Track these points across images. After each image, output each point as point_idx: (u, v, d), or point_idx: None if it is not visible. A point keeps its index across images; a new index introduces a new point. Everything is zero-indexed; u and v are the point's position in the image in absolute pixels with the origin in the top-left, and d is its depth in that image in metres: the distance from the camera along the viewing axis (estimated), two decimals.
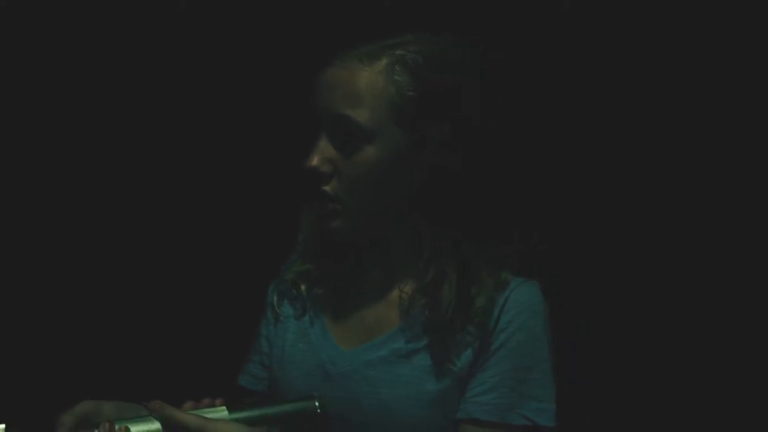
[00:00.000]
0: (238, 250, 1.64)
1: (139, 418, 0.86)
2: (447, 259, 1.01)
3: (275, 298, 1.12)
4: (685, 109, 1.56)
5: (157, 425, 0.85)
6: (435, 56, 1.00)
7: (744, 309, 1.53)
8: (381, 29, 1.04)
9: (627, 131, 1.59)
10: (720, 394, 1.52)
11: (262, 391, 1.11)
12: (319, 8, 1.57)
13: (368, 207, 1.00)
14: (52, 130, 1.59)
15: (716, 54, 1.53)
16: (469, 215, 1.02)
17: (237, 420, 0.88)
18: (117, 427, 0.83)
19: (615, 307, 1.58)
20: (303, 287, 1.11)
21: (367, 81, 0.98)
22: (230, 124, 1.64)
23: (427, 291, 1.00)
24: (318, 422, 0.91)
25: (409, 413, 0.96)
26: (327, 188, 0.99)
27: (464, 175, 1.01)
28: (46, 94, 1.57)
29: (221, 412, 0.89)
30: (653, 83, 1.57)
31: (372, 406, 0.98)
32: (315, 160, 0.99)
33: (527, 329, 0.98)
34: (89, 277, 1.64)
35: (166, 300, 1.65)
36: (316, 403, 0.92)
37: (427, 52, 1.00)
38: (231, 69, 1.61)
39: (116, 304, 1.65)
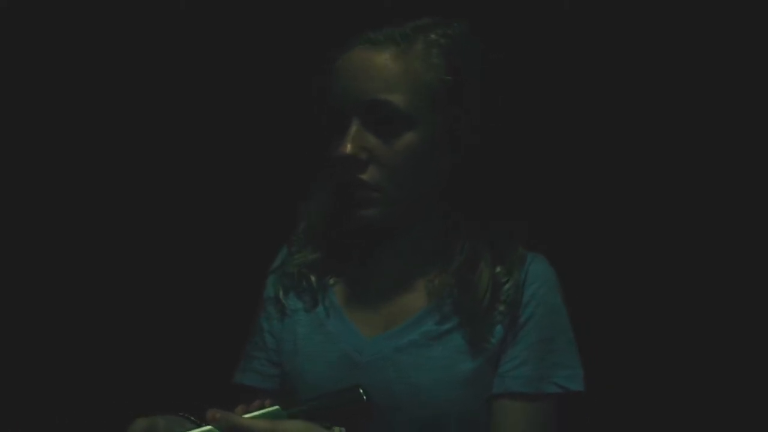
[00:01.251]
0: (220, 249, 1.62)
1: (199, 431, 0.82)
2: (478, 242, 1.02)
3: (280, 292, 1.09)
4: (685, 109, 1.56)
5: None
6: (460, 40, 1.01)
7: (744, 309, 1.53)
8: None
9: (627, 131, 1.59)
10: (720, 394, 1.52)
11: (272, 389, 1.07)
12: (317, 7, 1.57)
13: (407, 194, 0.99)
14: (52, 129, 1.59)
15: (716, 54, 1.53)
16: (495, 198, 1.03)
17: (293, 417, 0.86)
18: None
19: (615, 307, 1.58)
20: (312, 278, 1.07)
21: (406, 65, 0.96)
22: (220, 123, 1.63)
23: (458, 274, 1.01)
24: (365, 411, 0.91)
25: (442, 395, 0.97)
26: (364, 176, 0.97)
27: (492, 159, 1.02)
28: (46, 94, 1.57)
29: (276, 412, 0.87)
30: (653, 83, 1.57)
31: (403, 391, 0.97)
32: (350, 148, 0.96)
33: (548, 301, 1.02)
34: (76, 276, 1.63)
35: (149, 301, 1.63)
36: (361, 390, 0.91)
37: (453, 35, 1.00)
38: (225, 67, 1.61)
39: (97, 306, 1.63)
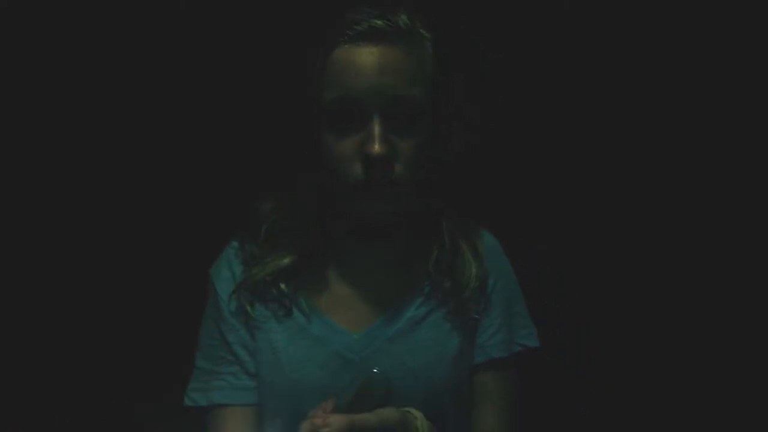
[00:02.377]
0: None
1: None
2: (457, 231, 1.07)
3: (246, 305, 1.03)
4: (685, 109, 1.56)
5: None
6: (440, 34, 1.02)
7: (744, 309, 1.53)
8: None
9: (626, 131, 1.59)
10: (720, 394, 1.52)
11: (252, 403, 1.03)
12: (316, 7, 1.57)
13: (414, 188, 1.00)
14: (51, 129, 1.59)
15: (716, 54, 1.53)
16: (482, 193, 1.05)
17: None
18: None
19: (614, 307, 1.58)
20: (282, 285, 1.03)
21: (419, 60, 0.97)
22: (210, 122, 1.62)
23: (439, 260, 1.05)
24: (390, 392, 0.95)
25: (436, 375, 1.01)
26: (392, 173, 0.96)
27: (478, 153, 1.04)
28: (46, 93, 1.57)
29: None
30: (653, 83, 1.57)
31: (400, 378, 0.98)
32: (382, 146, 0.94)
33: (505, 271, 1.11)
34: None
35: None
36: (376, 371, 0.95)
37: (434, 29, 1.02)
38: (220, 65, 1.60)
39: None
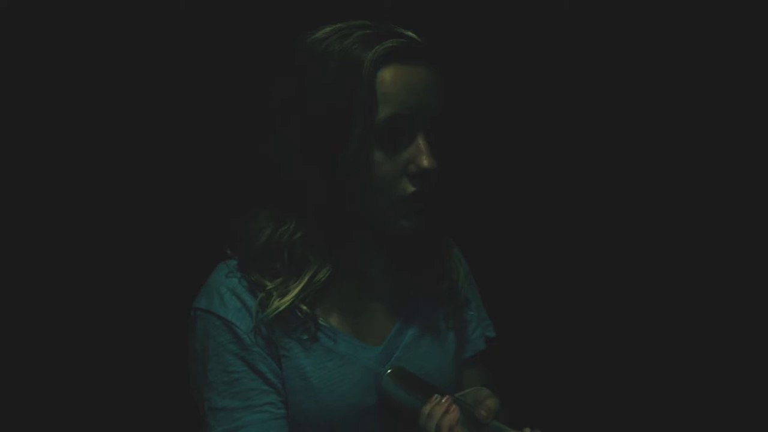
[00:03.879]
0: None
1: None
2: (445, 237, 1.12)
3: (272, 333, 0.99)
4: (685, 109, 1.56)
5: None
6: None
7: (743, 308, 1.53)
8: None
9: (626, 131, 1.59)
10: (720, 394, 1.52)
11: None
12: (317, 9, 1.57)
13: None
14: (50, 129, 1.60)
15: (716, 54, 1.53)
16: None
17: None
18: None
19: (614, 306, 1.59)
20: (304, 307, 0.99)
21: (440, 74, 1.00)
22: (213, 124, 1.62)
23: (441, 266, 1.10)
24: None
25: (447, 373, 1.07)
26: (431, 186, 0.98)
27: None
28: (45, 93, 1.58)
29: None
30: (653, 83, 1.57)
31: None
32: (433, 162, 0.96)
33: (469, 272, 1.17)
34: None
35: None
36: (390, 370, 1.00)
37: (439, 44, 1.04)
38: (221, 67, 1.60)
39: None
